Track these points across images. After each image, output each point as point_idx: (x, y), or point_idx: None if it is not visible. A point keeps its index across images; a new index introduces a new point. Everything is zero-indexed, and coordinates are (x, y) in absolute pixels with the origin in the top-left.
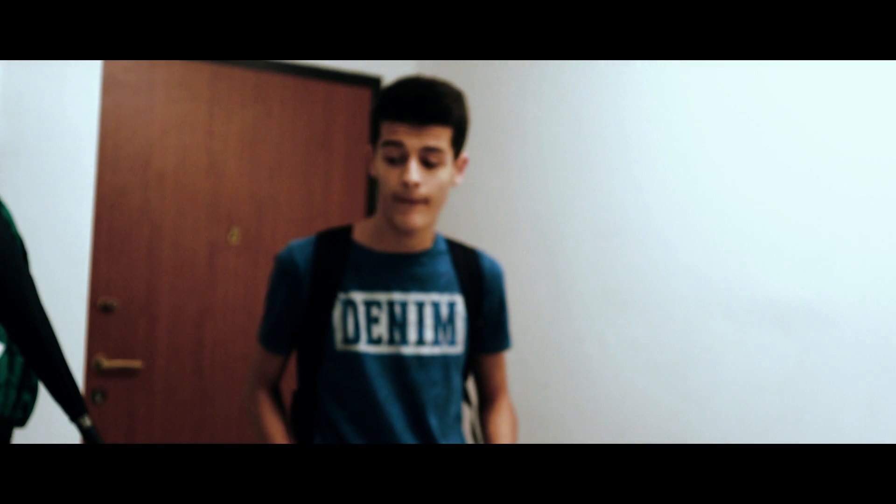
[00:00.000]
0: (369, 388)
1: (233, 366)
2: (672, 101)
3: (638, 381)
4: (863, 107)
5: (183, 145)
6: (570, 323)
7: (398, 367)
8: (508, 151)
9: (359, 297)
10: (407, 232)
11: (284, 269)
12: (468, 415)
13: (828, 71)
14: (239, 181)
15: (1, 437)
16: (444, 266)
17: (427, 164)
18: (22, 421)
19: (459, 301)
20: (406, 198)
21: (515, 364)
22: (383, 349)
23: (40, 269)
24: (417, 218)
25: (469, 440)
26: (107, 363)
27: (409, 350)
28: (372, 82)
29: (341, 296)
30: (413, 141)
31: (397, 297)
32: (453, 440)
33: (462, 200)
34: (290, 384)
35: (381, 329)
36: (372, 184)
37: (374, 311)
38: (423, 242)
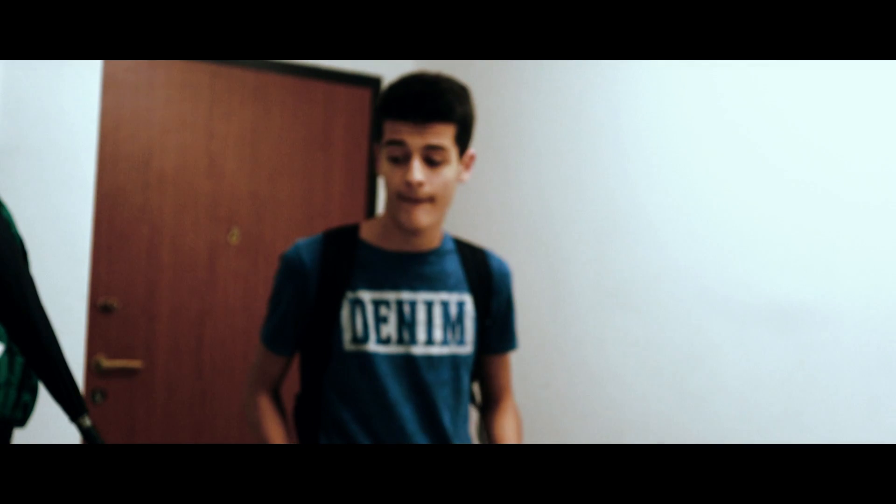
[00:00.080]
0: (381, 388)
1: (233, 366)
2: (671, 103)
3: (638, 380)
4: (864, 107)
5: (183, 145)
6: (570, 323)
7: (409, 367)
8: (508, 151)
9: (367, 296)
10: (413, 231)
11: (291, 268)
12: (473, 416)
13: (828, 70)
14: (239, 181)
15: (1, 437)
16: (453, 265)
17: (430, 163)
18: (22, 421)
19: (468, 300)
20: (410, 197)
21: (515, 364)
22: (393, 349)
23: (40, 269)
24: (423, 217)
25: (474, 442)
26: (107, 363)
27: (418, 350)
28: (372, 82)
29: (349, 295)
30: (415, 140)
31: (406, 296)
32: (463, 441)
33: (461, 200)
34: (288, 388)
35: (390, 329)
36: (372, 184)
37: (383, 311)
38: (432, 241)
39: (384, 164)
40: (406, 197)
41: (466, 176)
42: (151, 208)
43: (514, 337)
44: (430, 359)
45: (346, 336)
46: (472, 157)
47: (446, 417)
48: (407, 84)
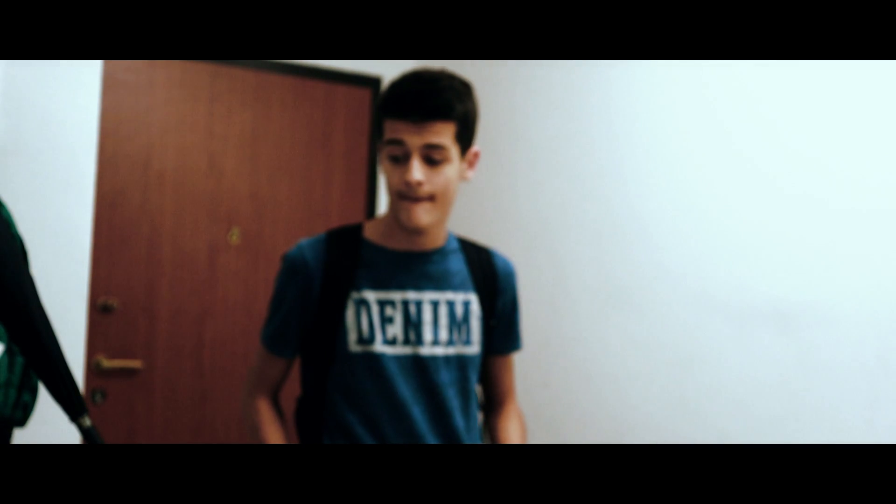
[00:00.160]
0: (390, 389)
1: (233, 366)
2: (671, 102)
3: (638, 381)
4: (864, 106)
5: (183, 145)
6: (570, 323)
7: (417, 367)
8: (508, 151)
9: (371, 296)
10: (414, 230)
11: (295, 268)
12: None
13: (826, 69)
14: (239, 181)
15: (1, 437)
16: (458, 264)
17: (430, 162)
18: (22, 421)
19: (474, 300)
20: (410, 196)
21: (515, 364)
22: (399, 350)
23: (40, 269)
24: (423, 216)
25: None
26: (107, 363)
27: (425, 350)
28: (372, 82)
29: (354, 295)
30: (414, 139)
31: (412, 296)
32: (474, 442)
33: (460, 200)
34: (285, 393)
35: (396, 329)
36: (372, 184)
37: (389, 311)
38: (436, 240)
39: (385, 164)
40: (406, 196)
41: (470, 174)
42: (151, 208)
43: (519, 338)
44: (437, 359)
45: (352, 337)
46: (476, 155)
47: (457, 418)
48: (406, 82)
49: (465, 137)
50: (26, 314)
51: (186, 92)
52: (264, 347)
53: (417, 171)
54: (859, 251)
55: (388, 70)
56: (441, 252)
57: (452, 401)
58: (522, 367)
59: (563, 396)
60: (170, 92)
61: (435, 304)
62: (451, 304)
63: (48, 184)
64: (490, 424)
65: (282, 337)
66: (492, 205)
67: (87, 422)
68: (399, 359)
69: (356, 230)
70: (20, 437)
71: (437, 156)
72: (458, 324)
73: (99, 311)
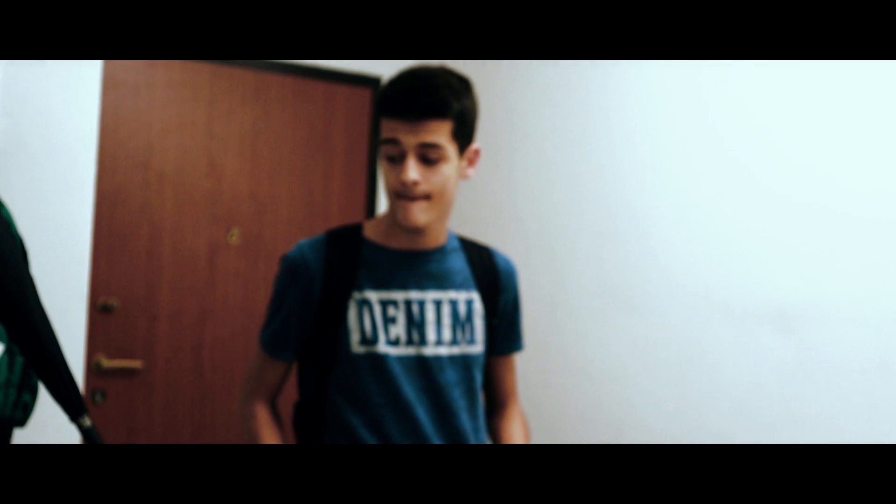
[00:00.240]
0: (394, 390)
1: (233, 366)
2: (675, 103)
3: (638, 381)
4: (864, 105)
5: (183, 145)
6: (570, 323)
7: (421, 368)
8: (507, 151)
9: (374, 296)
10: (411, 230)
11: (295, 269)
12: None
13: (828, 69)
14: (239, 181)
15: (1, 437)
16: (459, 263)
17: (426, 161)
18: (22, 421)
19: (476, 299)
20: (406, 195)
21: (516, 363)
22: (403, 350)
23: (40, 269)
24: (420, 215)
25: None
26: (107, 363)
27: (429, 351)
28: (372, 82)
29: (356, 295)
30: (409, 138)
31: (414, 295)
32: (480, 442)
33: (461, 200)
34: (280, 400)
35: (399, 329)
36: (372, 184)
37: (391, 311)
38: (437, 239)
39: (382, 163)
40: (402, 195)
41: (470, 171)
42: (151, 208)
43: (521, 337)
44: (441, 359)
45: (354, 338)
46: (477, 152)
47: (463, 418)
48: (402, 79)
49: (463, 135)
50: (26, 314)
51: (186, 92)
52: (263, 350)
53: (413, 170)
54: (859, 251)
55: (388, 70)
56: (442, 251)
57: (458, 401)
58: (522, 367)
59: (563, 396)
60: (170, 92)
61: (438, 304)
62: (454, 304)
63: (48, 184)
64: (492, 427)
65: (282, 339)
66: (491, 205)
67: (87, 422)
68: (403, 359)
69: (356, 230)
70: (20, 437)
71: (432, 155)
72: (462, 323)
73: (99, 311)
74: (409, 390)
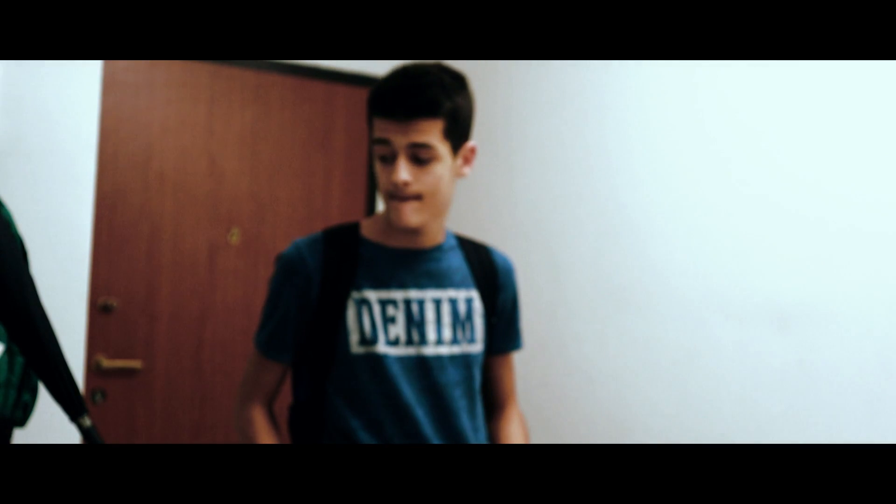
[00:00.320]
0: (393, 391)
1: (233, 366)
2: (674, 102)
3: (638, 380)
4: (863, 105)
5: (183, 145)
6: (570, 323)
7: (421, 368)
8: (505, 151)
9: (373, 295)
10: (405, 229)
11: (292, 268)
12: None
13: (829, 69)
14: (239, 181)
15: (1, 437)
16: (458, 261)
17: (417, 161)
18: (22, 421)
19: (476, 297)
20: (398, 196)
21: (515, 363)
22: (403, 350)
23: (40, 269)
24: (412, 215)
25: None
26: (107, 363)
27: (429, 350)
28: (372, 82)
29: (354, 294)
30: (399, 138)
31: (414, 294)
32: (482, 441)
33: (459, 200)
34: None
35: (399, 329)
36: (372, 184)
37: (391, 311)
38: (434, 238)
39: (376, 163)
40: (394, 195)
41: (467, 170)
42: (151, 208)
43: (520, 336)
44: (441, 359)
45: (354, 338)
46: (473, 151)
47: (463, 418)
48: (392, 78)
49: (457, 134)
50: (26, 314)
51: (186, 92)
52: (259, 352)
53: (404, 171)
54: (859, 251)
55: (388, 70)
56: (440, 249)
57: (458, 401)
58: (522, 367)
59: (563, 396)
60: (170, 92)
61: (437, 303)
62: (453, 302)
63: (48, 184)
64: (491, 428)
65: (278, 341)
66: (490, 205)
67: (87, 422)
68: (402, 360)
69: (354, 228)
70: (20, 437)
71: (423, 155)
72: (462, 322)
73: (99, 311)
74: (409, 391)
